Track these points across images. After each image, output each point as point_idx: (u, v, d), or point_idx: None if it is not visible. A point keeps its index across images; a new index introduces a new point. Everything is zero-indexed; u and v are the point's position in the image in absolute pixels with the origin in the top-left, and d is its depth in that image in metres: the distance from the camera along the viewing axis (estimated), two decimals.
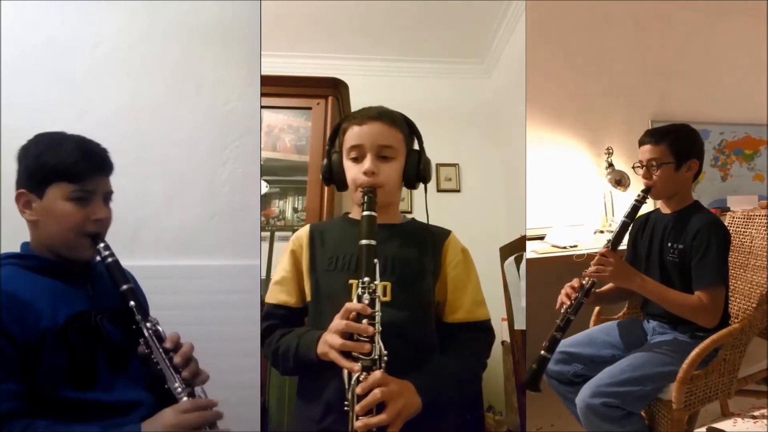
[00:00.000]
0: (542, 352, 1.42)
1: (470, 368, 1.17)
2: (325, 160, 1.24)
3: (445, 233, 1.28)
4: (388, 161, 1.17)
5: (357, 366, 0.95)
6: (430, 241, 1.22)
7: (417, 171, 1.21)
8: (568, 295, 1.47)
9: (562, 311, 1.45)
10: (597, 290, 1.58)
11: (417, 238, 1.22)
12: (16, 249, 1.11)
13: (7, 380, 0.95)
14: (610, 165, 2.72)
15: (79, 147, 1.09)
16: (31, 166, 1.08)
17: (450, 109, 3.46)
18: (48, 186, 1.07)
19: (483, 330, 1.22)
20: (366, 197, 1.11)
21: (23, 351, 0.97)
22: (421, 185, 1.26)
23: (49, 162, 1.07)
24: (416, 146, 1.25)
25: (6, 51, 1.76)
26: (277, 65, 2.82)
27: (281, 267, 1.23)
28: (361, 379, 0.94)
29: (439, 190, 3.38)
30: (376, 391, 0.93)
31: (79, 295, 1.09)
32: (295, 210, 2.65)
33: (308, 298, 1.19)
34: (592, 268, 1.46)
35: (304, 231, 1.26)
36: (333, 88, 2.52)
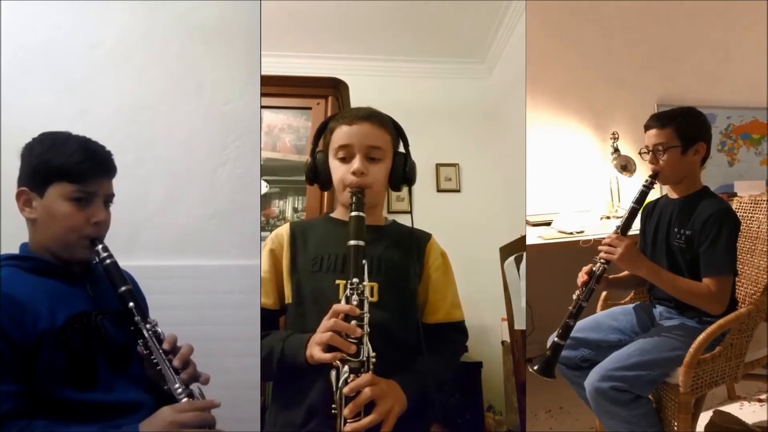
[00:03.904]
0: (555, 338, 1.43)
1: (450, 367, 1.19)
2: (309, 159, 1.23)
3: (426, 236, 1.29)
4: (376, 162, 1.17)
5: (340, 354, 0.95)
6: (414, 243, 1.23)
7: (403, 173, 1.21)
8: (587, 273, 1.48)
9: (574, 298, 1.46)
10: (611, 276, 1.58)
11: (401, 240, 1.22)
12: (15, 250, 1.11)
13: (6, 382, 0.95)
14: (616, 150, 2.71)
15: (83, 148, 1.09)
16: (34, 164, 1.08)
17: (450, 109, 3.46)
18: (49, 185, 1.06)
19: (459, 331, 1.25)
20: (355, 198, 1.10)
21: (21, 353, 0.97)
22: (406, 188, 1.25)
23: (52, 161, 1.06)
24: (402, 149, 1.25)
25: (6, 51, 1.76)
26: (277, 65, 2.81)
27: None
28: (349, 380, 0.94)
29: (439, 190, 3.38)
30: (366, 390, 0.93)
31: (78, 296, 1.09)
32: (295, 210, 2.65)
33: (288, 299, 1.17)
34: (602, 253, 1.46)
35: (284, 230, 1.24)
36: (333, 88, 2.51)
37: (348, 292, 1.00)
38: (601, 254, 1.47)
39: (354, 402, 0.92)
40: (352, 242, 1.04)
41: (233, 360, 1.58)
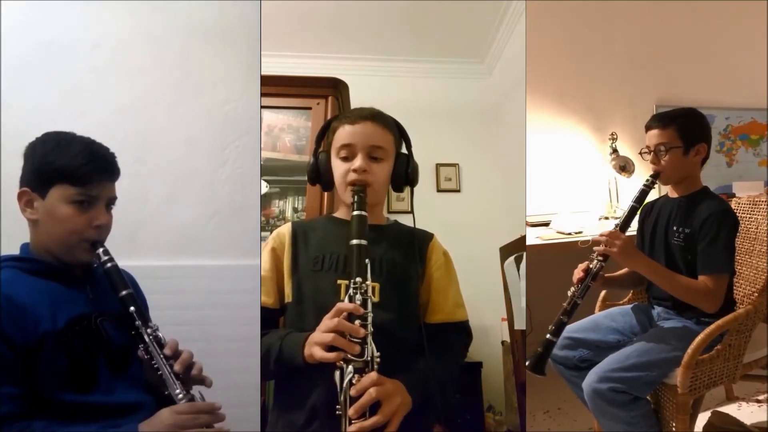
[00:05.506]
0: (548, 335, 1.43)
1: (452, 368, 1.19)
2: (312, 159, 1.23)
3: (428, 236, 1.29)
4: (378, 162, 1.17)
5: (342, 354, 0.94)
6: (416, 243, 1.22)
7: (405, 174, 1.21)
8: (584, 270, 1.47)
9: (569, 294, 1.45)
10: (608, 275, 1.58)
11: (403, 240, 1.22)
12: (16, 250, 1.11)
13: (7, 384, 0.95)
14: (615, 151, 2.71)
15: (87, 150, 1.07)
16: (37, 165, 1.07)
17: (450, 109, 3.46)
18: (51, 186, 1.05)
19: (462, 331, 1.25)
20: (356, 196, 1.10)
21: (22, 355, 0.96)
22: (407, 189, 1.25)
23: (55, 162, 1.05)
24: (404, 150, 1.25)
25: (6, 51, 1.76)
26: (277, 65, 2.82)
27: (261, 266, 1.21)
28: (354, 381, 0.93)
29: (439, 190, 3.38)
30: (371, 390, 0.92)
31: (78, 298, 1.09)
32: (295, 210, 2.65)
33: (288, 298, 1.16)
34: (600, 246, 1.45)
35: (286, 228, 1.24)
36: (333, 88, 2.51)
37: (351, 291, 0.99)
38: (599, 248, 1.45)
39: (359, 402, 0.92)
40: (354, 241, 1.03)
41: (233, 360, 1.58)
